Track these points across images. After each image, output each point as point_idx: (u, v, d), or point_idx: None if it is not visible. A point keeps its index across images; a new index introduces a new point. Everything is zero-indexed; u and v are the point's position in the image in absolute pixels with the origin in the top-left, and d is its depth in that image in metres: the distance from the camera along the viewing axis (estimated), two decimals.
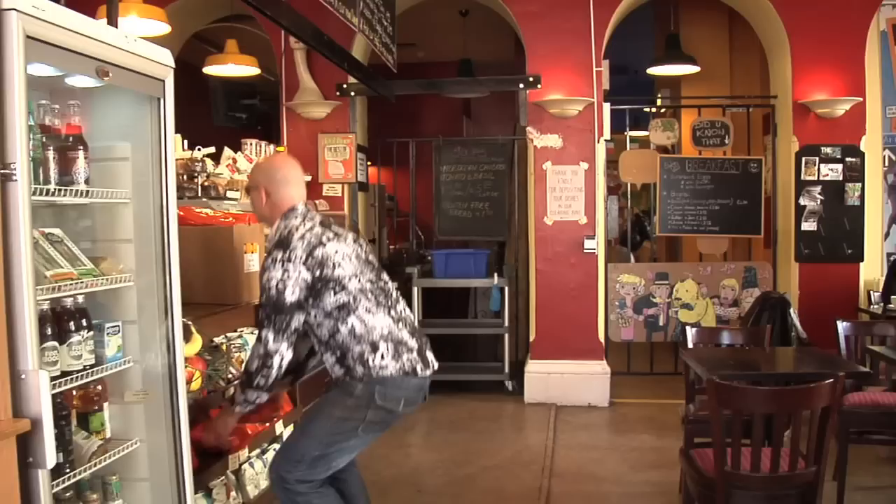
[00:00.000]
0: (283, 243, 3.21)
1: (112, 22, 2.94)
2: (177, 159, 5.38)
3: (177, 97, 7.98)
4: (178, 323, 2.93)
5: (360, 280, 3.29)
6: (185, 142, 5.82)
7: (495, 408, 7.22)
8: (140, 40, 2.68)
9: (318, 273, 3.19)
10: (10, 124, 2.07)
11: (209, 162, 5.50)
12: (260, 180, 3.41)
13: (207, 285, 4.02)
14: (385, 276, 3.50)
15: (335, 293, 3.21)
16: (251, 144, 6.26)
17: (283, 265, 3.16)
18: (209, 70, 7.61)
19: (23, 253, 2.10)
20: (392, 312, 3.38)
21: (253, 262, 4.25)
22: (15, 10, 2.07)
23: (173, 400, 2.92)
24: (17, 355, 2.12)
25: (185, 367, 3.10)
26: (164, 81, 2.82)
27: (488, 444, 6.09)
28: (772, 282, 7.45)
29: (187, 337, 3.31)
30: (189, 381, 3.24)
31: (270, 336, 3.15)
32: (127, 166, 2.87)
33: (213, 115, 9.54)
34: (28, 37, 2.12)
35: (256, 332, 3.25)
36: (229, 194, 5.34)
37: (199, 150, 5.56)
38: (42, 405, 2.11)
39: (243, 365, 3.41)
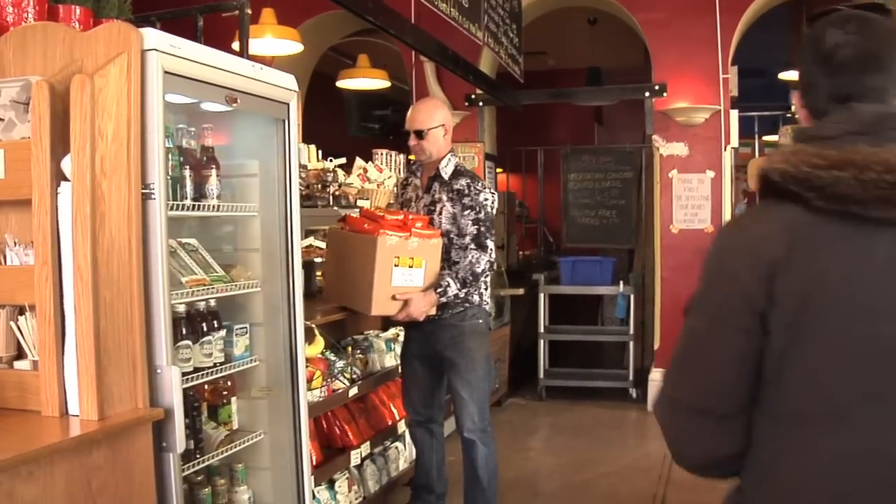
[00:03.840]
0: (476, 175, 4.12)
1: (243, 50, 3.23)
2: (310, 169, 5.72)
3: (313, 107, 8.36)
4: (301, 326, 3.18)
5: None
6: (320, 151, 6.15)
7: (618, 415, 7.26)
8: (266, 68, 2.94)
9: None
10: (150, 150, 2.36)
11: (340, 172, 5.79)
12: (446, 119, 4.13)
13: (349, 292, 4.05)
14: None
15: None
16: (381, 154, 6.54)
17: (490, 191, 4.03)
18: (342, 84, 7.95)
19: (160, 262, 2.38)
20: None
21: (412, 277, 3.85)
22: (155, 50, 2.36)
23: (294, 397, 3.17)
24: (154, 352, 2.41)
25: (307, 367, 3.36)
26: (288, 105, 3.08)
27: (608, 450, 6.14)
28: None
29: (310, 339, 3.57)
30: (309, 381, 3.50)
31: (492, 246, 3.98)
32: (255, 182, 3.15)
33: (348, 126, 9.89)
34: (166, 72, 2.40)
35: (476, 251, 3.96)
36: (359, 202, 5.62)
37: (331, 160, 5.87)
38: (174, 397, 2.39)
39: (461, 268, 3.94)
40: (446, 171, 4.04)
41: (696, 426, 1.52)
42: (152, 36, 2.36)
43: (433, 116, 4.08)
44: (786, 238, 1.42)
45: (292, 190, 3.11)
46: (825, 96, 1.51)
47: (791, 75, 8.71)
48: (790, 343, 1.41)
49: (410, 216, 3.91)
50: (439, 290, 3.88)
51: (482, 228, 3.94)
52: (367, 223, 3.89)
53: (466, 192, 3.97)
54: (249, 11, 3.35)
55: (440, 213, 4.01)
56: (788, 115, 8.62)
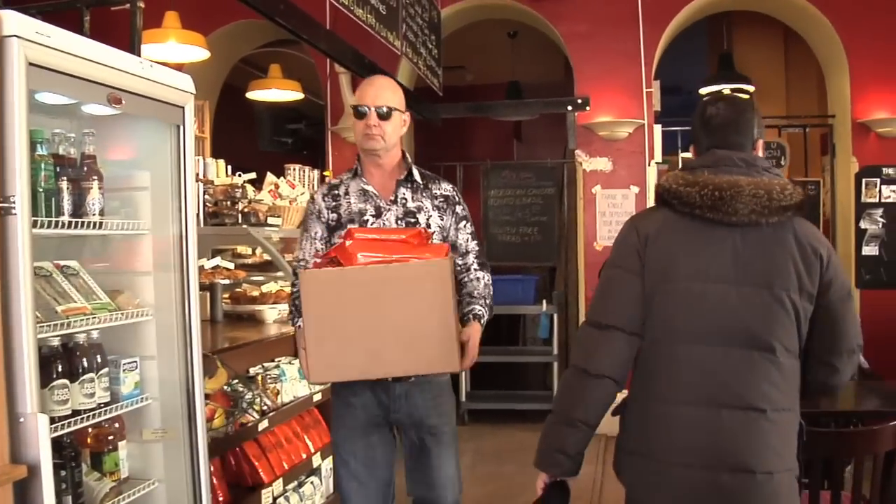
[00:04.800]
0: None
1: (134, 48, 2.87)
2: (217, 185, 5.36)
3: (224, 121, 7.97)
4: (199, 358, 2.82)
5: None
6: (229, 166, 5.80)
7: None
8: (157, 66, 2.59)
9: None
10: (11, 157, 1.99)
11: (250, 188, 5.46)
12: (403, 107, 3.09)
13: (397, 352, 2.67)
14: None
15: None
16: (294, 170, 6.22)
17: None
18: (253, 95, 7.61)
19: (21, 291, 2.00)
20: None
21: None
22: (16, 37, 2.00)
23: (193, 438, 2.81)
24: (16, 397, 2.02)
25: (207, 403, 3.00)
26: (183, 108, 2.72)
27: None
28: None
29: (211, 371, 3.21)
30: (210, 419, 3.14)
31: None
32: (146, 195, 2.79)
33: (259, 140, 9.55)
34: (31, 64, 2.04)
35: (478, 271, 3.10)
36: (270, 220, 5.28)
37: (239, 175, 5.52)
38: (41, 450, 2.01)
39: (481, 292, 3.02)
40: (415, 172, 3.08)
41: (611, 340, 2.26)
42: (12, 20, 1.99)
43: (398, 96, 3.05)
44: (657, 225, 2.29)
45: (188, 205, 2.76)
46: (705, 147, 2.36)
47: (711, 91, 8.68)
48: (653, 292, 2.25)
49: (423, 231, 2.88)
50: (482, 320, 2.95)
51: (479, 245, 3.16)
52: (383, 248, 2.71)
53: (456, 199, 3.11)
54: (142, 5, 2.99)
55: (427, 227, 3.00)
56: None
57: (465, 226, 3.10)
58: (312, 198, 3.10)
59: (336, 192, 3.06)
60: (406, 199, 3.03)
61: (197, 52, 5.59)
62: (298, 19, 4.28)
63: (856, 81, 6.84)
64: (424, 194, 3.05)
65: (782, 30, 8.52)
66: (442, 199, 3.07)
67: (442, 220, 3.05)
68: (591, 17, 7.03)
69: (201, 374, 2.83)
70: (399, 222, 2.99)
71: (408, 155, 3.13)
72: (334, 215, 3.03)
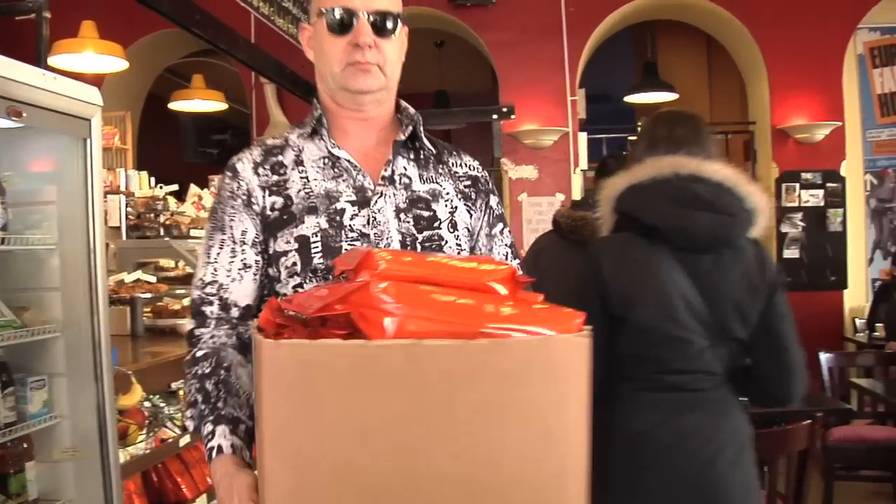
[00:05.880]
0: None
1: (40, 59, 2.81)
2: (139, 197, 5.27)
3: (148, 132, 7.82)
4: (110, 374, 2.76)
5: None
6: (152, 178, 5.70)
7: None
8: (62, 78, 2.53)
9: None
10: None
11: (172, 200, 5.38)
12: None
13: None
14: None
15: None
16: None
17: None
18: (175, 105, 7.49)
19: None
20: None
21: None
22: None
23: (104, 457, 2.75)
24: None
25: (119, 420, 2.94)
26: (90, 121, 2.66)
27: None
28: None
29: (126, 388, 3.14)
30: (124, 436, 3.07)
31: None
32: (52, 210, 2.72)
33: (184, 151, 9.40)
34: None
35: None
36: (193, 233, 5.21)
37: (160, 187, 5.44)
38: None
39: None
40: (423, 134, 1.70)
41: None
42: None
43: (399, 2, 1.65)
44: (547, 243, 3.39)
45: (96, 219, 2.70)
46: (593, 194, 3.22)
47: (636, 99, 8.81)
48: (540, 287, 2.78)
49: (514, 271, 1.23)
50: None
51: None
52: (447, 308, 1.06)
53: (489, 185, 1.78)
54: (48, 14, 2.92)
55: (452, 227, 1.66)
56: (634, 138, 8.65)
57: (502, 231, 1.77)
58: (233, 168, 1.61)
59: (278, 158, 1.63)
60: (410, 178, 1.66)
61: (115, 63, 5.48)
62: (216, 30, 4.23)
63: (774, 88, 7.01)
64: (441, 171, 1.70)
65: (705, 38, 8.68)
66: (468, 183, 1.72)
67: (470, 215, 1.71)
68: (516, 26, 7.08)
69: (112, 391, 2.77)
70: (402, 216, 1.61)
71: (407, 104, 1.75)
72: (277, 200, 1.58)
